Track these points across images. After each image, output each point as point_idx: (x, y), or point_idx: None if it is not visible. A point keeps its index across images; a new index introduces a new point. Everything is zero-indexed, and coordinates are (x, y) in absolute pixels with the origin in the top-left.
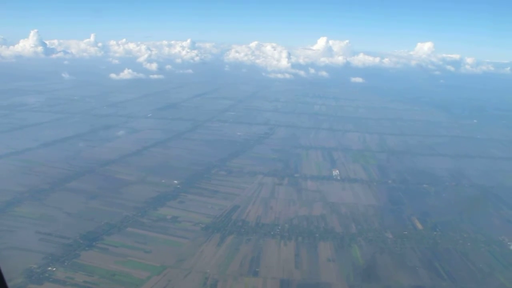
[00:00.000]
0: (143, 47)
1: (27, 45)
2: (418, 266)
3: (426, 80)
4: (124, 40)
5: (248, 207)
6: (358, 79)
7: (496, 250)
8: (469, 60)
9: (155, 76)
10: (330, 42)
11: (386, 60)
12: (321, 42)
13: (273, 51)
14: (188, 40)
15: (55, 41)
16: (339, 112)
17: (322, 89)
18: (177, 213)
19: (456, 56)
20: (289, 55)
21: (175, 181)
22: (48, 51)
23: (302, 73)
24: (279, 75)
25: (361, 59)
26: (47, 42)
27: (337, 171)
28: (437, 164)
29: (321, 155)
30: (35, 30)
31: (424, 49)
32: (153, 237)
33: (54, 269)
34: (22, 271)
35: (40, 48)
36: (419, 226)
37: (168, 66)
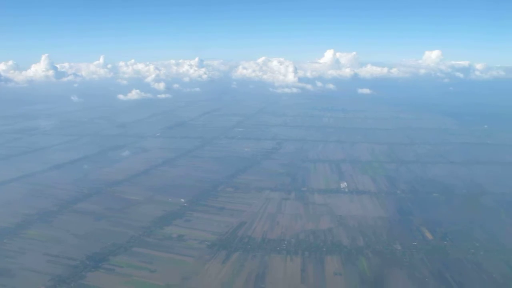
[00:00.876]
0: (151, 67)
1: (38, 69)
2: (428, 278)
3: (435, 88)
4: (132, 60)
5: (254, 223)
6: (366, 90)
7: (511, 259)
8: (478, 66)
9: (163, 96)
10: (337, 54)
11: (394, 70)
12: (328, 55)
13: (280, 66)
14: (196, 59)
15: (66, 65)
16: (347, 124)
17: (329, 101)
18: (183, 231)
19: (465, 63)
20: (295, 70)
21: (182, 200)
22: (59, 74)
23: (309, 86)
24: (287, 90)
25: (369, 70)
26: (58, 65)
27: (345, 183)
28: (448, 172)
29: (329, 168)
30: (46, 55)
31: (432, 57)
32: (159, 256)
33: None
34: None
35: (51, 72)
36: (429, 236)
37: (176, 85)
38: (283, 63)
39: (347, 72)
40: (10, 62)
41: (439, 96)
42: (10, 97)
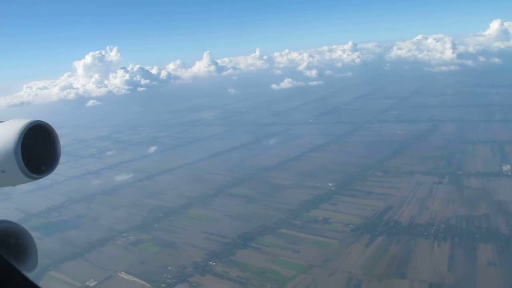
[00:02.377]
0: (305, 55)
1: (201, 66)
2: None
3: None
4: (287, 50)
5: (402, 208)
6: None
7: None
8: None
9: (314, 83)
10: (506, 24)
11: None
12: (494, 26)
13: (436, 44)
14: (350, 43)
15: (226, 59)
16: None
17: (495, 77)
18: (329, 214)
19: None
20: (454, 45)
21: (330, 184)
22: (220, 69)
23: (469, 62)
24: (444, 68)
25: None
26: (218, 61)
27: (508, 166)
28: None
29: (490, 149)
30: (208, 52)
31: None
32: (303, 238)
33: (214, 263)
34: (190, 263)
35: (212, 67)
36: None
37: (328, 71)
38: (440, 40)
39: None
40: (178, 62)
41: None
42: (178, 93)
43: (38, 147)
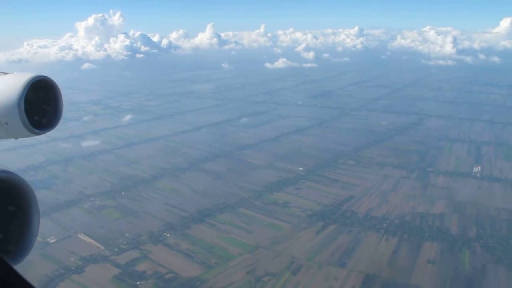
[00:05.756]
0: (309, 36)
1: (204, 37)
2: None
3: None
4: (291, 29)
5: (362, 199)
6: None
7: None
8: None
9: (309, 65)
10: None
11: None
12: (504, 24)
13: (437, 37)
14: (356, 27)
15: (230, 33)
16: (509, 102)
17: (495, 76)
18: (290, 198)
19: None
20: (455, 40)
21: (300, 168)
22: (222, 42)
23: (468, 59)
24: (441, 62)
25: None
26: (222, 34)
27: (479, 167)
28: None
29: (466, 149)
30: (211, 24)
31: None
32: (259, 219)
33: (168, 235)
34: (146, 232)
35: (215, 40)
36: None
37: (326, 55)
38: (444, 33)
39: None
40: (181, 31)
41: None
42: (176, 63)
43: (41, 103)
